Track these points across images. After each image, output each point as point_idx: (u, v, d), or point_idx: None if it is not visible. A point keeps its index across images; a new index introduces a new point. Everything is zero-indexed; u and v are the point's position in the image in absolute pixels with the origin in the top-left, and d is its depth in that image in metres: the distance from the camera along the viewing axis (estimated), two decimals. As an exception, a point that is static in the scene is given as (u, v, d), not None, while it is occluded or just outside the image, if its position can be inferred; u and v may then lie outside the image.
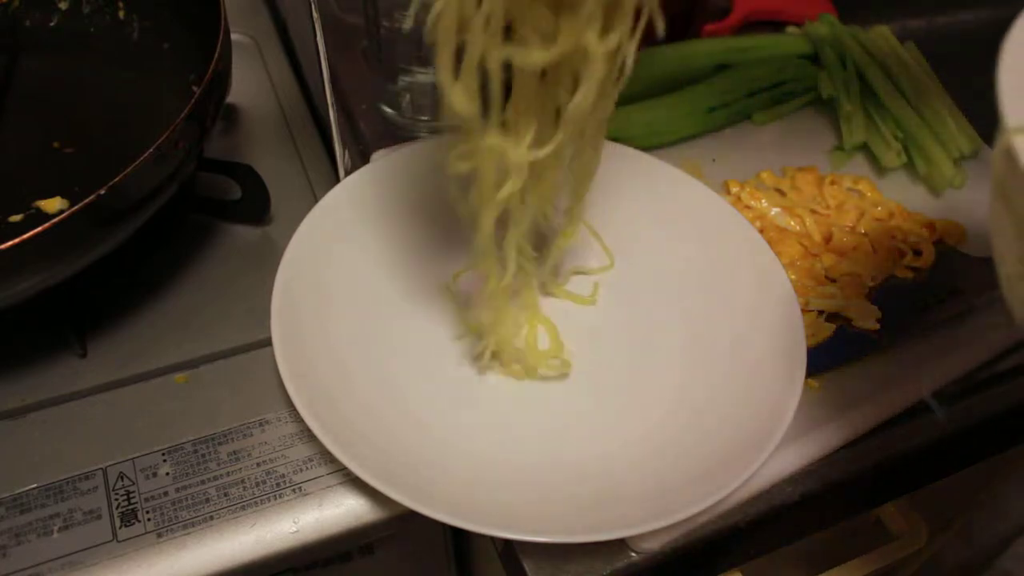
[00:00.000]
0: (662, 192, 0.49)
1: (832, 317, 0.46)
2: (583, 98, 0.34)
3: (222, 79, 0.46)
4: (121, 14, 0.57)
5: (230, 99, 0.50)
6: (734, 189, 0.52)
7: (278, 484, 0.40)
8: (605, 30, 0.32)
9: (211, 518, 0.39)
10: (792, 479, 0.41)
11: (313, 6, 0.43)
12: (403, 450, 0.39)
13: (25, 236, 0.35)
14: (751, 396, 0.40)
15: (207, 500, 0.40)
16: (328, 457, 0.41)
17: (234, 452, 0.41)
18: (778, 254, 0.45)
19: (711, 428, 0.40)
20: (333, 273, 0.44)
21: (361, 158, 0.53)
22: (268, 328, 0.45)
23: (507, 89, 0.35)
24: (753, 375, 0.41)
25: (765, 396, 0.40)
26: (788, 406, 0.38)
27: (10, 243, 0.35)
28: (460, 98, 0.33)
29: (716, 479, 0.36)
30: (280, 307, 0.41)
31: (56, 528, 0.38)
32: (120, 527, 0.38)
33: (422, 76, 0.53)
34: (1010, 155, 0.23)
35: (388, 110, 0.56)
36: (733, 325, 0.44)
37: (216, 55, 0.44)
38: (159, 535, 0.38)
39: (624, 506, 0.37)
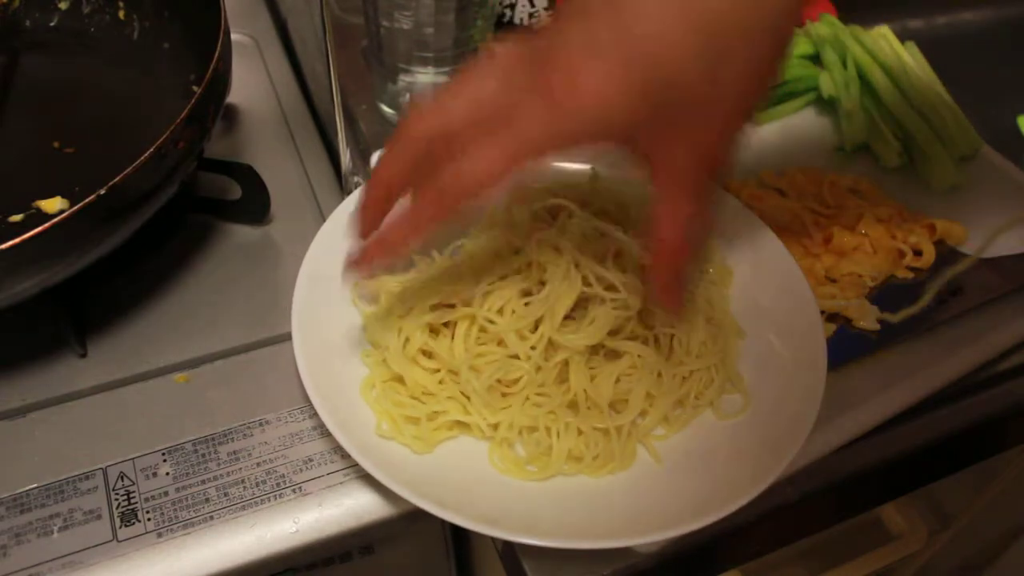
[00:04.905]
0: None
1: (832, 317, 0.46)
2: None
3: (222, 79, 0.46)
4: (121, 14, 0.57)
5: (230, 99, 0.50)
6: (735, 189, 0.52)
7: (278, 484, 0.40)
8: None
9: (211, 518, 0.39)
10: (792, 479, 0.41)
11: (324, 11, 0.43)
12: (412, 451, 0.39)
13: (25, 236, 0.35)
14: (764, 414, 0.40)
15: (207, 500, 0.40)
16: (328, 457, 0.41)
17: (234, 452, 0.41)
18: (778, 254, 0.45)
19: (724, 440, 0.40)
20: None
21: (361, 158, 0.53)
22: (268, 328, 0.45)
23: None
24: (766, 391, 0.41)
25: (778, 415, 0.39)
26: (803, 427, 0.37)
27: (10, 243, 0.35)
28: None
29: (725, 492, 0.36)
30: (301, 305, 0.41)
31: (56, 528, 0.38)
32: (120, 527, 0.38)
33: (422, 76, 0.53)
34: None
35: (388, 110, 0.56)
36: (752, 338, 0.44)
37: (216, 55, 0.44)
38: (159, 535, 0.38)
39: (629, 512, 0.37)
